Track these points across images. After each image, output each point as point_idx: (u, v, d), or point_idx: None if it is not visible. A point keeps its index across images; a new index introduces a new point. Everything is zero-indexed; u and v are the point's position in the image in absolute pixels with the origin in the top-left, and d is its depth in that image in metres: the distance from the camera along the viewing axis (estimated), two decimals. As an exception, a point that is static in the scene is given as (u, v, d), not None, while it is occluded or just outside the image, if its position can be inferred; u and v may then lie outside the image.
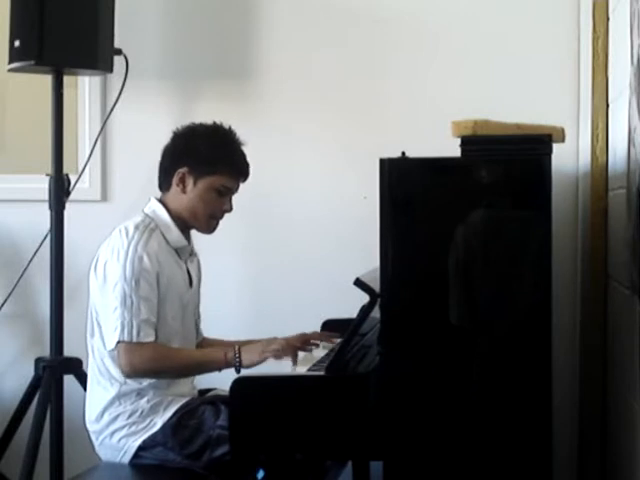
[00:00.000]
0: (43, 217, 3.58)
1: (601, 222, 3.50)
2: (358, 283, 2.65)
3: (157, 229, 2.96)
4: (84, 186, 3.84)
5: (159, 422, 2.88)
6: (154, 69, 3.89)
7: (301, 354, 3.01)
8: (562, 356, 3.53)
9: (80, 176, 3.74)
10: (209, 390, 3.14)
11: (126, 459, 2.89)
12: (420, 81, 3.76)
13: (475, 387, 2.66)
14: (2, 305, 3.82)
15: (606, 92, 3.50)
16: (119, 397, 2.90)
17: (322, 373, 2.72)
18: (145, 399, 2.90)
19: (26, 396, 3.58)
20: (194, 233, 3.11)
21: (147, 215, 2.99)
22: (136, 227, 2.92)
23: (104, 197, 3.93)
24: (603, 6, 3.51)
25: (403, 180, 2.69)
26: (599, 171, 3.52)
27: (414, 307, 2.69)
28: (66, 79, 3.56)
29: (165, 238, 2.97)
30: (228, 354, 2.88)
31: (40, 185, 3.59)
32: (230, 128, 3.05)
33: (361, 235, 3.48)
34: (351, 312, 2.84)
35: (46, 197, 3.55)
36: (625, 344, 2.93)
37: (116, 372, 2.90)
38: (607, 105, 3.50)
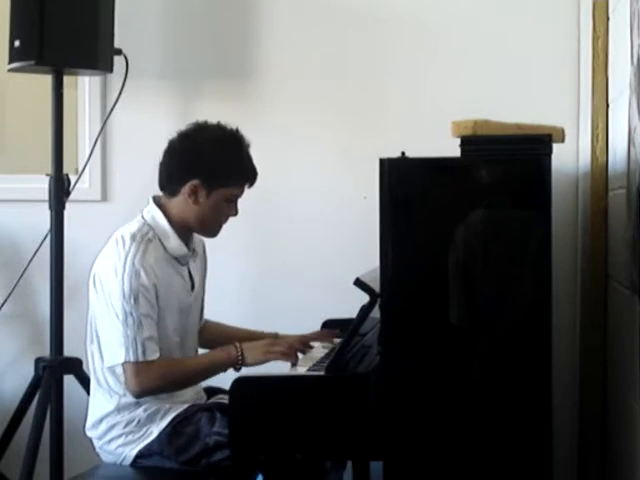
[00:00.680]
0: (43, 217, 3.57)
1: (601, 222, 3.50)
2: (358, 283, 2.65)
3: (155, 238, 2.89)
4: (84, 186, 3.84)
5: (155, 431, 2.86)
6: (154, 69, 3.89)
7: (300, 354, 3.01)
8: (562, 356, 3.53)
9: (80, 176, 3.74)
10: (216, 389, 3.12)
11: (125, 465, 2.88)
12: (420, 81, 3.76)
13: (475, 387, 2.66)
14: (2, 305, 3.82)
15: (606, 92, 3.50)
16: (118, 409, 2.88)
17: (322, 373, 2.72)
18: (142, 408, 2.87)
19: (26, 396, 3.58)
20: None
21: (145, 222, 2.91)
22: (133, 237, 2.85)
23: (104, 197, 3.93)
24: (603, 6, 3.51)
25: (403, 180, 2.69)
26: (599, 171, 3.52)
27: (414, 307, 2.69)
28: (66, 79, 3.56)
29: (163, 246, 2.91)
30: (231, 353, 2.86)
31: (40, 185, 3.59)
32: (238, 132, 2.97)
33: (361, 235, 3.48)
34: (351, 312, 2.84)
35: (46, 197, 3.55)
36: (625, 344, 2.93)
37: (115, 386, 2.87)
38: (607, 105, 3.50)
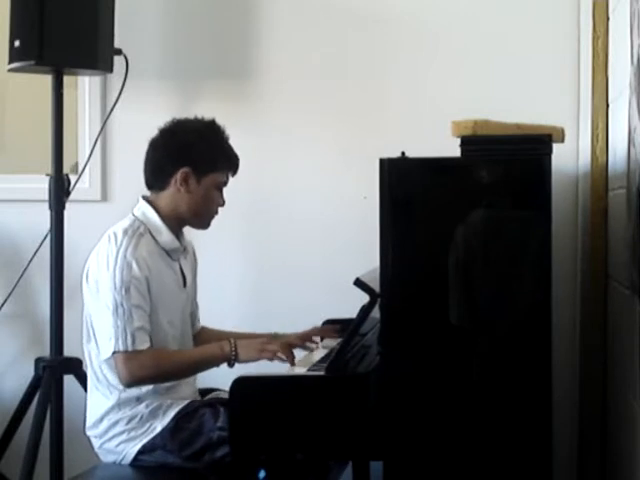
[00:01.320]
0: (43, 217, 3.57)
1: (601, 222, 3.50)
2: (358, 283, 2.65)
3: (147, 233, 2.92)
4: (84, 186, 3.84)
5: (158, 426, 2.87)
6: (154, 69, 3.89)
7: (301, 354, 3.01)
8: (562, 356, 3.52)
9: (80, 176, 3.74)
10: (210, 390, 3.13)
11: (125, 463, 2.89)
12: (420, 81, 3.76)
13: (475, 387, 2.66)
14: (2, 305, 3.82)
15: (606, 92, 3.50)
16: (119, 404, 2.89)
17: (322, 373, 2.72)
18: (144, 404, 2.88)
19: (26, 396, 3.58)
20: (189, 230, 3.09)
21: (136, 218, 2.95)
22: (125, 232, 2.88)
23: (104, 197, 3.93)
24: (603, 6, 3.51)
25: (403, 180, 2.69)
26: (599, 171, 3.52)
27: (414, 307, 2.69)
28: (66, 79, 3.56)
29: (156, 240, 2.94)
30: (224, 348, 2.86)
31: (40, 185, 3.59)
32: (216, 122, 3.02)
33: (361, 235, 3.48)
34: (351, 312, 2.84)
35: (46, 197, 3.55)
36: (625, 344, 2.93)
37: (114, 380, 2.88)
38: (607, 105, 3.50)
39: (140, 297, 2.82)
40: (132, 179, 3.81)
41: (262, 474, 2.84)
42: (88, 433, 2.97)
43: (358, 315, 2.76)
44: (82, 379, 3.38)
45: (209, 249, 3.64)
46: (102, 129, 3.82)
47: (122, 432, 2.89)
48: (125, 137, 3.91)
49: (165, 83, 3.90)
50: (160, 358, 2.86)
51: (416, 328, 2.68)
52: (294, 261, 3.82)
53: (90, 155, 3.75)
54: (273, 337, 3.08)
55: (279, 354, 2.84)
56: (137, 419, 2.88)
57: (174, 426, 2.86)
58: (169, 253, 2.97)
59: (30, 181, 3.86)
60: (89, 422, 2.95)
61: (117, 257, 2.82)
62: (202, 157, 2.96)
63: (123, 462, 2.89)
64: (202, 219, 3.02)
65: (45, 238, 3.63)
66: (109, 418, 2.90)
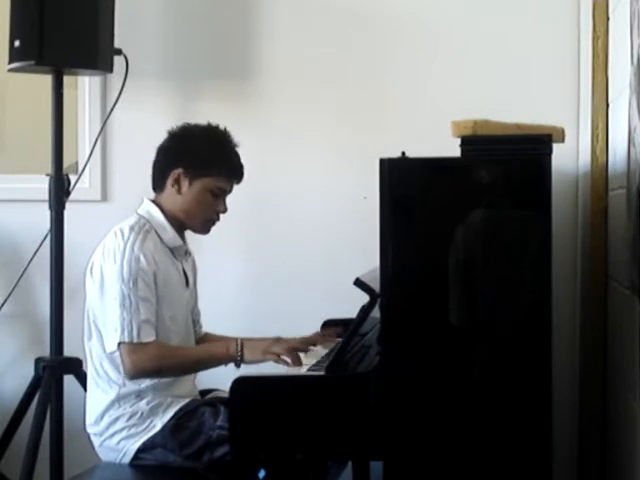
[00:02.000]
0: (43, 217, 3.57)
1: (601, 222, 3.50)
2: (358, 283, 2.65)
3: (152, 230, 2.95)
4: (84, 186, 3.84)
5: (158, 424, 2.88)
6: (154, 69, 3.89)
7: (301, 353, 3.01)
8: (562, 356, 3.52)
9: (80, 176, 3.74)
10: (210, 390, 3.14)
11: (125, 461, 2.89)
12: (420, 81, 3.77)
13: (475, 387, 2.66)
14: (2, 305, 3.82)
15: (606, 92, 3.50)
16: (118, 400, 2.90)
17: (322, 373, 2.72)
18: (145, 401, 2.89)
19: (26, 396, 3.58)
20: (190, 233, 3.11)
21: (141, 216, 2.99)
22: (131, 228, 2.92)
23: (104, 197, 3.93)
24: (603, 6, 3.51)
25: (403, 180, 2.69)
26: (599, 171, 3.52)
27: (414, 307, 2.69)
28: (66, 79, 3.56)
29: (160, 238, 2.96)
30: (230, 348, 2.87)
31: (40, 185, 3.59)
32: (225, 130, 3.05)
33: (361, 235, 3.48)
34: (351, 312, 2.84)
35: (46, 197, 3.55)
36: (625, 344, 2.93)
37: (114, 375, 2.89)
38: (607, 105, 3.50)
39: (147, 290, 2.84)
40: (132, 179, 3.84)
41: (262, 474, 2.84)
42: (89, 431, 2.97)
43: (358, 315, 2.76)
44: (82, 379, 3.38)
45: (209, 249, 3.64)
46: (102, 129, 3.82)
47: (122, 429, 2.89)
48: (125, 137, 3.91)
49: (165, 83, 3.90)
50: (165, 352, 2.87)
51: (416, 328, 2.68)
52: (294, 261, 3.82)
53: (90, 155, 3.75)
54: (277, 340, 3.08)
55: (284, 357, 2.84)
56: (137, 416, 2.89)
57: (174, 425, 2.87)
58: (173, 252, 3.00)
59: (30, 181, 3.86)
60: (90, 419, 2.96)
61: (125, 250, 2.85)
62: (196, 159, 2.98)
63: (123, 460, 2.89)
64: (196, 222, 3.03)
65: (45, 238, 3.63)
66: (109, 414, 2.90)
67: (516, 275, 2.66)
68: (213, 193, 3.00)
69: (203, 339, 3.23)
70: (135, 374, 2.83)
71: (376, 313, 2.73)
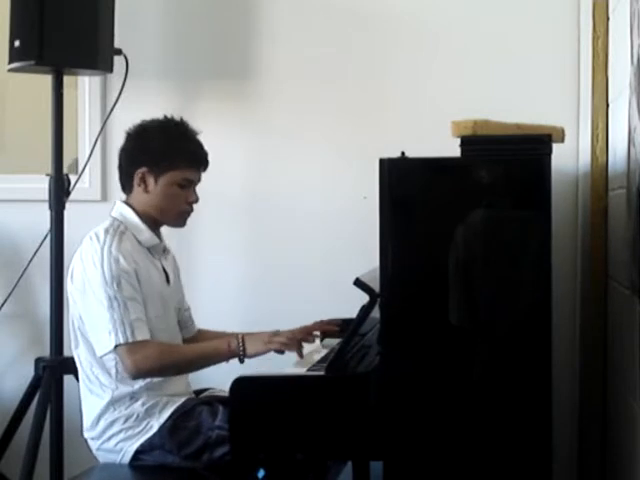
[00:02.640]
0: (43, 217, 3.57)
1: (601, 222, 3.50)
2: (358, 283, 2.65)
3: (127, 231, 2.94)
4: (84, 186, 3.84)
5: (155, 425, 2.87)
6: (154, 69, 3.89)
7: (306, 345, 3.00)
8: (562, 356, 3.53)
9: (80, 176, 3.74)
10: (204, 390, 3.13)
11: (124, 462, 2.89)
12: (420, 81, 3.77)
13: (475, 387, 2.66)
14: (2, 305, 3.82)
15: (606, 92, 3.50)
16: (113, 403, 2.89)
17: (322, 373, 2.72)
18: (139, 402, 2.89)
19: (26, 396, 3.58)
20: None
21: (115, 219, 2.97)
22: (106, 231, 2.91)
23: (104, 197, 3.93)
24: (603, 6, 3.51)
25: (403, 180, 2.69)
26: (599, 171, 3.52)
27: (414, 307, 2.69)
28: (66, 79, 3.56)
29: (136, 239, 2.95)
30: (232, 344, 2.85)
31: (40, 185, 3.59)
32: (181, 119, 3.03)
33: (361, 235, 3.48)
34: (351, 312, 2.84)
35: (46, 197, 3.55)
36: (625, 344, 2.93)
37: (106, 379, 2.88)
38: (607, 105, 3.50)
39: (132, 289, 2.83)
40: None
41: (261, 473, 2.84)
42: (85, 435, 2.96)
43: (358, 315, 2.76)
44: (82, 379, 3.39)
45: (209, 249, 3.64)
46: (102, 129, 3.82)
47: (119, 431, 2.88)
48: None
49: (165, 83, 3.90)
50: (165, 350, 2.87)
51: (416, 328, 2.68)
52: (294, 261, 3.82)
53: (90, 155, 3.75)
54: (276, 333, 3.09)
55: (285, 345, 2.83)
56: (133, 418, 2.88)
57: (172, 425, 2.86)
58: (150, 251, 2.99)
59: (30, 181, 3.86)
60: (86, 424, 2.95)
61: (103, 254, 2.84)
62: (157, 156, 2.96)
63: (122, 461, 2.89)
64: (170, 217, 3.02)
65: (45, 238, 3.63)
66: (105, 418, 2.90)
67: (516, 275, 2.66)
68: (180, 185, 2.98)
69: (196, 336, 3.23)
70: (137, 373, 2.82)
71: (376, 313, 2.73)
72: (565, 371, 3.63)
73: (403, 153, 2.71)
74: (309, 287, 3.79)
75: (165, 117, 3.03)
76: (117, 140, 3.88)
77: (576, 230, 3.68)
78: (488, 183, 2.70)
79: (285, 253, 3.84)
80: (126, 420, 2.88)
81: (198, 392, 3.10)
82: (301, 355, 2.86)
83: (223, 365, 2.90)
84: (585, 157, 3.60)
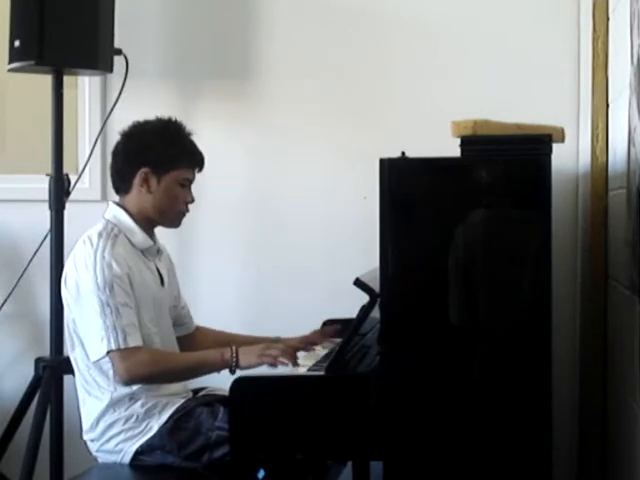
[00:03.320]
0: (43, 217, 3.57)
1: (601, 222, 3.50)
2: (358, 283, 2.65)
3: (121, 234, 2.93)
4: (84, 186, 3.84)
5: (155, 426, 2.87)
6: (154, 69, 3.89)
7: (301, 354, 3.01)
8: (562, 356, 3.52)
9: (80, 176, 3.74)
10: (201, 389, 3.12)
11: (124, 463, 2.88)
12: (420, 81, 3.76)
13: (475, 387, 2.66)
14: (2, 305, 3.82)
15: (606, 92, 3.50)
16: (112, 405, 2.88)
17: (322, 373, 2.72)
18: (139, 403, 2.88)
19: (26, 396, 3.58)
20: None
21: (109, 221, 2.97)
22: (99, 235, 2.90)
23: (104, 197, 3.92)
24: (603, 6, 3.51)
25: (403, 180, 2.69)
26: (599, 171, 3.52)
27: (414, 307, 2.69)
28: (66, 79, 3.56)
29: (130, 241, 2.95)
30: (225, 354, 2.85)
31: (40, 185, 3.59)
32: (177, 120, 3.03)
33: (361, 235, 3.48)
34: (351, 312, 2.84)
35: (46, 197, 3.55)
36: (625, 344, 2.93)
37: (103, 381, 2.88)
38: (607, 105, 3.50)
39: (124, 294, 2.82)
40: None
41: (261, 474, 2.84)
42: (85, 438, 2.96)
43: (358, 315, 2.76)
44: (82, 379, 3.38)
45: (208, 249, 3.64)
46: (102, 129, 3.82)
47: (119, 432, 2.88)
48: (125, 137, 3.90)
49: (165, 83, 3.90)
50: (158, 357, 2.86)
51: (416, 328, 2.68)
52: (294, 261, 3.82)
53: (90, 155, 3.75)
54: (274, 341, 3.08)
55: (280, 358, 2.82)
56: (133, 419, 2.88)
57: (172, 426, 2.86)
58: (144, 253, 2.99)
59: (30, 181, 3.86)
60: (86, 426, 2.94)
61: (95, 258, 2.83)
62: (160, 156, 2.96)
63: (122, 462, 2.88)
64: (169, 217, 3.02)
65: (45, 238, 3.63)
66: (105, 420, 2.89)
67: (516, 275, 2.66)
68: (182, 185, 2.99)
69: (195, 334, 3.23)
70: (128, 380, 2.82)
71: (376, 313, 2.73)
72: (565, 371, 3.63)
73: (403, 153, 2.71)
74: (309, 287, 3.79)
75: (158, 118, 3.03)
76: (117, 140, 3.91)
77: (576, 230, 3.68)
78: (488, 183, 2.70)
79: (285, 253, 3.84)
80: (126, 421, 2.88)
81: (195, 391, 3.10)
82: (294, 364, 2.83)
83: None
84: (585, 157, 3.60)
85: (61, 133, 3.55)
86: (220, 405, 2.87)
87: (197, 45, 3.90)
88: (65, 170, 3.56)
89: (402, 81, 3.78)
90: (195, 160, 3.02)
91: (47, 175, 3.55)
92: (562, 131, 2.89)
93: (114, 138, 3.87)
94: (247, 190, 3.80)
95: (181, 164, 2.98)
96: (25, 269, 3.76)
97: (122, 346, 2.77)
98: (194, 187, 3.05)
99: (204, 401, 2.97)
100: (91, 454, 2.96)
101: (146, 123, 3.03)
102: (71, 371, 3.48)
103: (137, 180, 2.97)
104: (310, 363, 2.90)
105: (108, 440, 2.89)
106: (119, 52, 3.56)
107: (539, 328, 2.65)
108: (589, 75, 3.56)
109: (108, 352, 2.78)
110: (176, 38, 3.91)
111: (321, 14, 3.82)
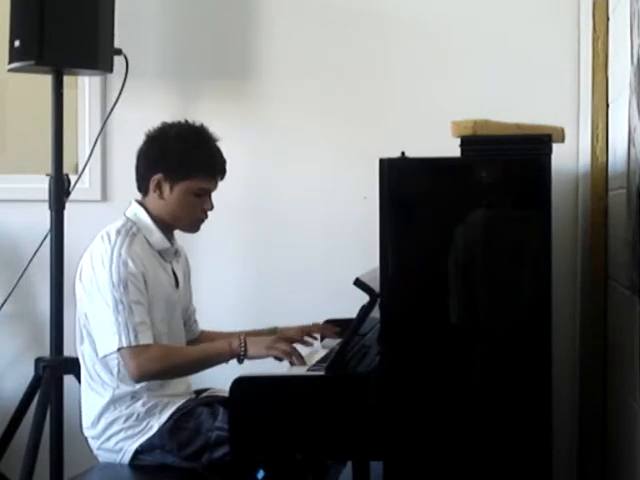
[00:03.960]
0: (43, 217, 3.57)
1: (601, 222, 3.50)
2: (358, 283, 2.65)
3: (139, 233, 2.93)
4: (84, 186, 3.84)
5: (155, 425, 2.87)
6: (154, 69, 3.89)
7: (303, 352, 3.00)
8: (562, 356, 3.52)
9: (80, 176, 3.74)
10: (204, 390, 3.13)
11: (124, 462, 2.89)
12: (420, 81, 3.76)
13: (475, 387, 2.66)
14: (2, 305, 3.82)
15: (606, 92, 3.50)
16: (113, 402, 2.89)
17: (322, 373, 2.72)
18: (140, 402, 2.89)
19: (26, 396, 3.58)
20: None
21: (129, 219, 2.97)
22: (118, 232, 2.90)
23: (104, 197, 3.93)
24: (603, 6, 3.51)
25: (403, 180, 2.69)
26: (599, 171, 3.52)
27: (414, 307, 2.69)
28: (66, 79, 3.56)
29: (148, 241, 2.95)
30: (233, 343, 2.85)
31: (40, 185, 3.59)
32: (202, 126, 3.01)
33: (361, 235, 3.48)
34: (351, 312, 2.84)
35: (46, 197, 3.55)
36: (625, 344, 2.93)
37: (108, 378, 2.88)
38: (607, 105, 3.50)
39: (138, 293, 2.83)
40: (132, 179, 3.80)
41: (261, 474, 2.84)
42: (86, 434, 2.97)
43: (358, 315, 2.76)
44: (82, 379, 3.38)
45: (209, 249, 3.64)
46: (102, 129, 3.82)
47: (119, 431, 2.89)
48: (125, 137, 3.90)
49: (165, 83, 3.90)
50: (167, 353, 2.86)
51: (416, 328, 2.68)
52: (294, 261, 3.82)
53: (90, 155, 3.75)
54: (271, 331, 3.10)
55: (285, 353, 2.82)
56: (134, 417, 2.88)
57: (172, 426, 2.87)
58: (161, 254, 2.99)
59: (30, 181, 3.86)
60: (86, 422, 2.95)
61: (112, 255, 2.84)
62: (174, 165, 2.94)
63: (122, 461, 2.89)
64: (184, 223, 3.01)
65: (45, 238, 3.63)
66: (106, 417, 2.90)
67: (516, 275, 2.66)
68: (196, 194, 2.97)
69: (200, 338, 3.23)
70: (140, 377, 2.82)
71: (376, 313, 2.73)
72: (565, 371, 3.63)
73: (403, 153, 2.71)
74: (309, 287, 3.79)
75: (186, 122, 3.01)
76: (117, 140, 3.92)
77: (576, 230, 3.68)
78: (488, 183, 2.70)
79: (285, 253, 3.84)
80: (126, 419, 2.88)
81: (198, 392, 3.10)
82: (303, 364, 2.83)
83: (223, 365, 2.90)
84: (585, 157, 3.61)
85: (61, 133, 3.55)
86: (220, 405, 2.87)
87: (197, 45, 3.90)
88: (65, 170, 3.56)
89: (402, 81, 3.78)
90: (212, 170, 2.98)
91: (47, 175, 3.55)
92: (562, 131, 2.89)
93: (114, 138, 3.92)
94: (247, 190, 3.80)
95: (196, 174, 2.95)
96: (25, 269, 3.76)
97: (133, 343, 2.78)
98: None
99: (204, 401, 2.97)
100: (92, 451, 2.97)
101: (171, 127, 3.00)
102: (71, 371, 3.50)
103: (151, 185, 2.97)
104: (309, 364, 2.90)
105: (108, 438, 2.90)
106: (119, 52, 3.56)
107: (539, 328, 2.65)
108: (589, 75, 3.56)
109: (119, 349, 2.79)
110: (176, 38, 3.91)
111: (321, 14, 3.82)
